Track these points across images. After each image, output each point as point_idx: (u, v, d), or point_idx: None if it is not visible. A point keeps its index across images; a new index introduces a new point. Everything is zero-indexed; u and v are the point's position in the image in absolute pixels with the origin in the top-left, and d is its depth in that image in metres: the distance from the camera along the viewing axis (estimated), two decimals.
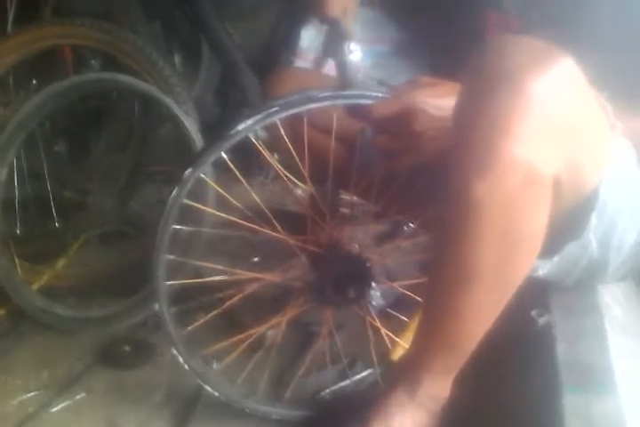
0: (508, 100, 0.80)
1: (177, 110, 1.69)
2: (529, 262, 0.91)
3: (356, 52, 1.06)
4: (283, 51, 2.13)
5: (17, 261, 1.81)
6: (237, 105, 2.13)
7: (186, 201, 1.22)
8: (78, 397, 1.45)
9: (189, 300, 1.52)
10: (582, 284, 1.10)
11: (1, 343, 1.63)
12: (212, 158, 1.20)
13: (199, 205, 1.34)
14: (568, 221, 0.95)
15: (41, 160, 1.96)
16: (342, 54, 1.06)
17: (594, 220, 0.96)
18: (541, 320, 1.08)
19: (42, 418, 1.40)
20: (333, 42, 1.11)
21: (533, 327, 1.07)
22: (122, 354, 1.55)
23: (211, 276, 1.66)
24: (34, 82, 1.99)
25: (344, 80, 1.10)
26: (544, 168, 0.83)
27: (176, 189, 1.20)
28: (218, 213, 1.39)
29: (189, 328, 1.30)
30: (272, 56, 2.14)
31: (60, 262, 1.83)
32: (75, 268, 1.83)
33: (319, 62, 2.17)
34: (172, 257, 1.24)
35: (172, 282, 1.27)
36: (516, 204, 0.84)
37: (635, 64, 1.01)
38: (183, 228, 1.31)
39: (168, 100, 1.69)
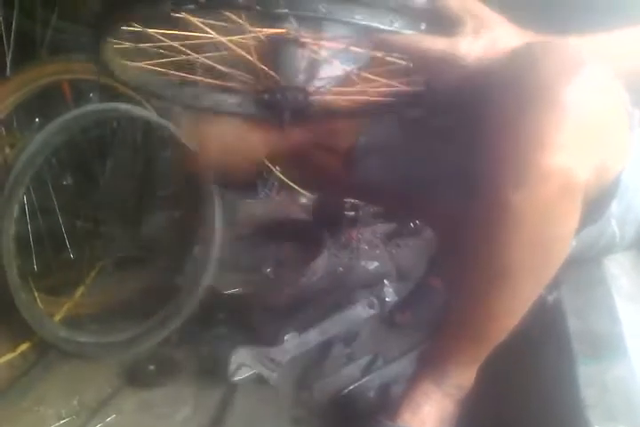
0: (543, 111, 0.82)
1: (176, 132, 1.73)
2: (560, 260, 0.93)
3: None
4: None
5: (36, 294, 1.84)
6: None
7: None
8: (109, 419, 1.48)
9: None
10: (595, 259, 1.12)
11: (29, 375, 1.66)
12: None
13: None
14: (588, 210, 0.96)
15: (50, 195, 2.00)
16: None
17: (614, 205, 0.99)
18: (550, 297, 1.10)
19: None
20: None
21: (543, 304, 1.08)
22: (147, 373, 1.57)
23: (227, 290, 1.70)
24: (37, 120, 2.02)
25: None
26: (578, 175, 0.84)
27: None
28: None
29: None
30: None
31: (79, 292, 1.85)
32: (93, 296, 1.86)
33: None
34: None
35: None
36: (551, 211, 0.86)
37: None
38: None
39: (166, 124, 1.73)
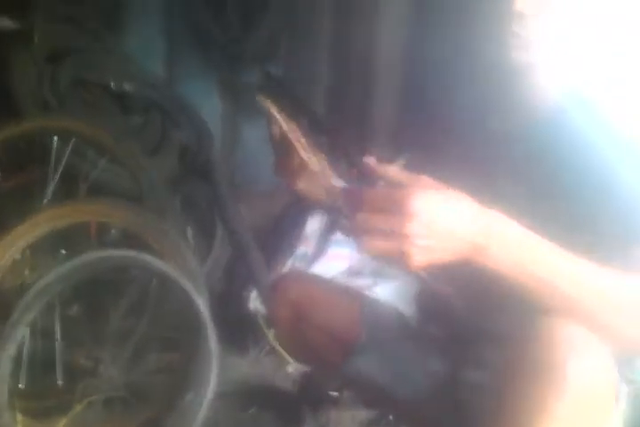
0: (551, 386, 0.92)
1: (190, 290, 1.87)
2: None
3: None
4: (287, 236, 2.36)
5: (19, 416, 1.90)
6: (243, 281, 2.33)
7: None
8: None
9: None
10: None
11: None
12: None
13: None
14: None
15: (54, 320, 2.10)
16: None
17: None
18: None
19: None
20: None
21: None
22: None
23: None
24: (62, 252, 2.16)
25: None
26: None
27: None
28: None
29: None
30: (277, 239, 2.36)
31: (62, 423, 1.91)
32: None
33: (322, 247, 2.40)
34: None
35: None
36: None
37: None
38: None
39: (184, 283, 1.87)
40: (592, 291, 0.97)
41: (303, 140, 1.06)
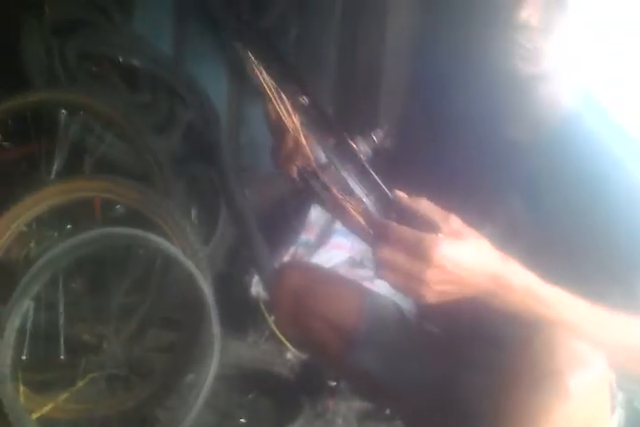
0: (550, 393, 0.96)
1: (194, 271, 1.89)
2: None
3: None
4: (291, 222, 2.38)
5: (22, 388, 1.92)
6: (245, 265, 2.35)
7: None
8: None
9: None
10: None
11: None
12: None
13: None
14: None
15: (58, 294, 2.12)
16: None
17: None
18: None
19: None
20: None
21: None
22: None
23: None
24: (68, 226, 2.18)
25: None
26: None
27: None
28: None
29: None
30: (281, 225, 2.38)
31: (63, 396, 1.94)
32: (76, 404, 1.94)
33: (325, 235, 2.41)
34: None
35: None
36: None
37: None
38: None
39: (188, 264, 1.89)
40: (599, 334, 1.02)
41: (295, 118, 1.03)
